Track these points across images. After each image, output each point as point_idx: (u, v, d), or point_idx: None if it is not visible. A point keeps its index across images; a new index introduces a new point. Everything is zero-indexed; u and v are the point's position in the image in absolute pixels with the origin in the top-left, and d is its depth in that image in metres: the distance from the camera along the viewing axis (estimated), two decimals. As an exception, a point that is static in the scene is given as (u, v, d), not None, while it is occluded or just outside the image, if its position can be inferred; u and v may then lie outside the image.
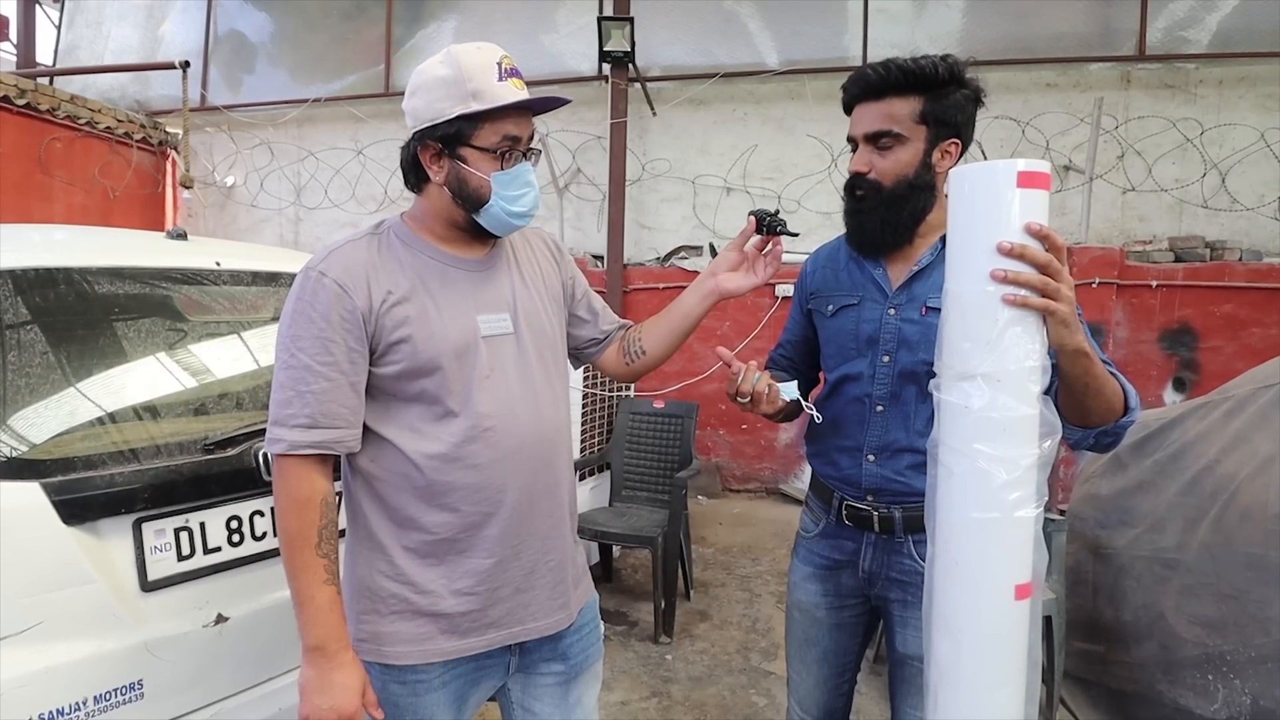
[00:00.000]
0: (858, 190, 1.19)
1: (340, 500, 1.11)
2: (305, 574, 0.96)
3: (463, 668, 1.08)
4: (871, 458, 1.22)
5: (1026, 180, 0.78)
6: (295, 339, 0.98)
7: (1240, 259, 4.26)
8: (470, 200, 1.04)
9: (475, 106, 0.99)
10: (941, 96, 1.12)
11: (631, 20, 4.56)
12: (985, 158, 4.52)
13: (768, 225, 1.19)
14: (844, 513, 1.26)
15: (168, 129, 5.98)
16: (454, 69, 1.00)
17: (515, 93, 1.01)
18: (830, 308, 1.29)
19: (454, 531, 1.04)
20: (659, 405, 3.44)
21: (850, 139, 1.21)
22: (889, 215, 1.17)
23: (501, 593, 1.07)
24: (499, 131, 1.02)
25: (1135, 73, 4.54)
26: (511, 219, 1.06)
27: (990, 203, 0.80)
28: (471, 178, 1.03)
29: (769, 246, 1.23)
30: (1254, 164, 4.35)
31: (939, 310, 1.08)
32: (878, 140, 1.15)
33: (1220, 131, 4.39)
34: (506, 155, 1.03)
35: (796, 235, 1.24)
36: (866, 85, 1.15)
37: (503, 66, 1.00)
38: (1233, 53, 4.36)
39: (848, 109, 1.21)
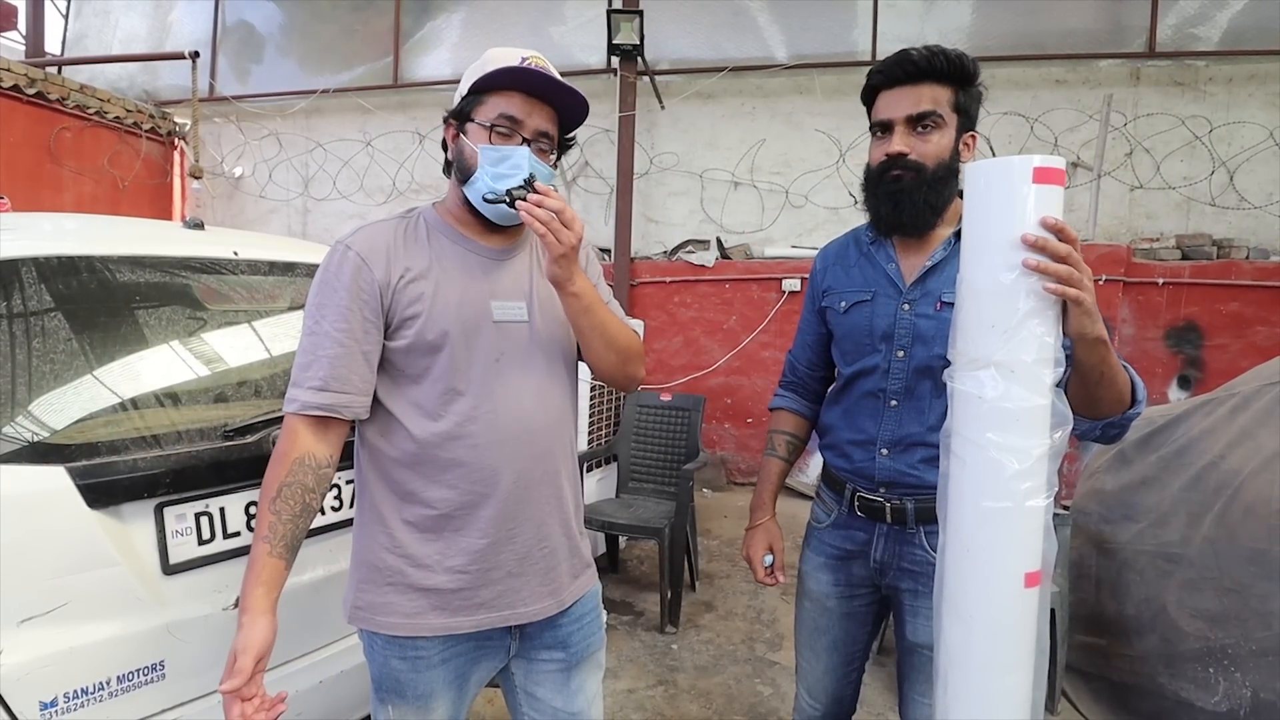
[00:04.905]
0: (895, 171, 1.16)
1: (337, 478, 1.13)
2: (258, 525, 0.99)
3: (463, 646, 1.10)
4: (885, 451, 1.23)
5: (1042, 176, 0.79)
6: (319, 307, 1.03)
7: (1247, 257, 4.25)
8: (463, 172, 1.08)
9: (475, 75, 1.04)
10: (969, 90, 1.15)
11: (640, 13, 4.56)
12: (994, 154, 4.52)
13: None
14: (856, 504, 1.28)
15: (176, 119, 6.00)
16: (484, 58, 1.05)
17: (517, 57, 1.03)
18: (843, 304, 1.29)
19: (451, 508, 1.06)
20: (666, 398, 3.46)
21: (882, 123, 1.17)
22: (930, 197, 1.15)
23: (494, 575, 1.09)
24: (496, 109, 1.05)
25: (1145, 69, 4.52)
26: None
27: (1006, 197, 0.81)
28: (466, 148, 1.06)
29: None
30: (1262, 162, 4.34)
31: (954, 305, 1.10)
32: (920, 121, 1.13)
33: (1229, 129, 4.38)
34: (499, 132, 1.05)
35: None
36: (910, 68, 1.13)
37: (526, 59, 1.03)
38: (1243, 50, 4.35)
39: (875, 92, 1.18)
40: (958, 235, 1.18)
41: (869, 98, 1.20)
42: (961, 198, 1.23)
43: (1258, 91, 4.38)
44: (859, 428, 1.27)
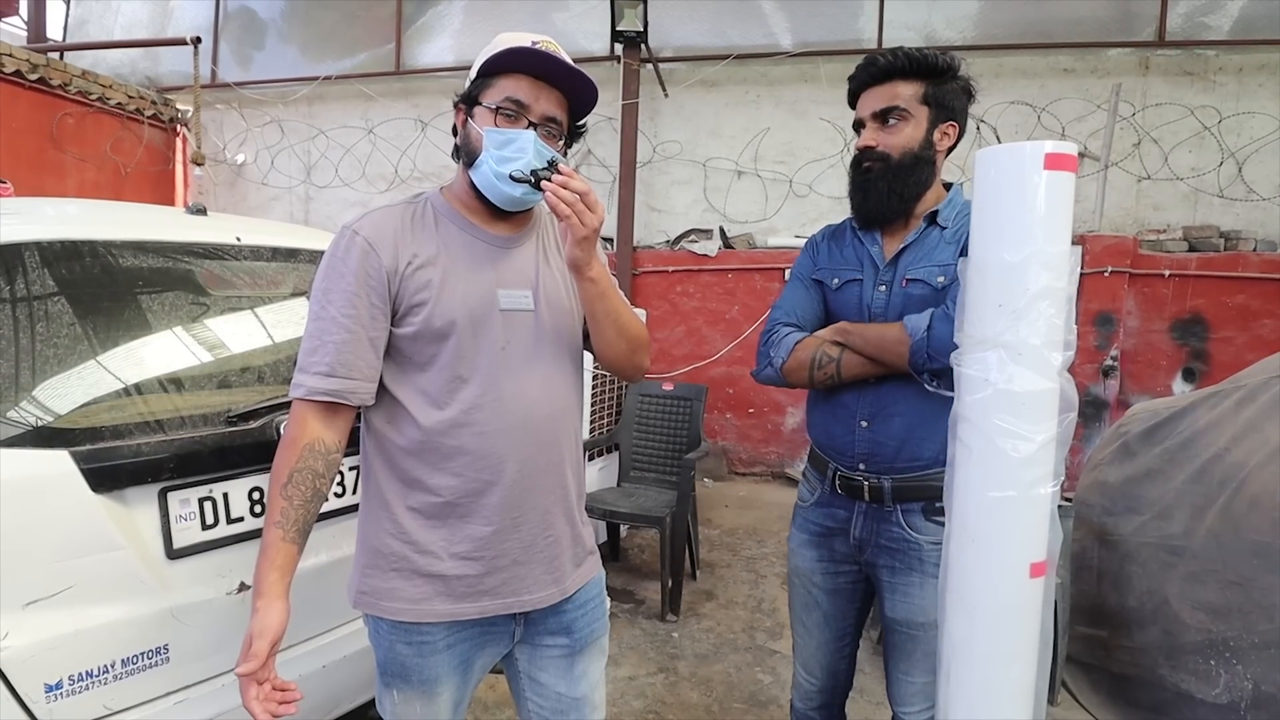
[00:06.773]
0: (865, 163, 1.28)
1: (344, 464, 1.13)
2: (270, 510, 0.99)
3: (468, 632, 1.11)
4: (865, 423, 1.29)
5: (1053, 162, 0.78)
6: (326, 292, 1.03)
7: (1255, 249, 4.23)
8: (469, 155, 1.07)
9: (484, 57, 1.03)
10: (942, 83, 1.23)
11: (645, -1, 4.52)
12: (1000, 143, 4.48)
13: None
14: (837, 483, 1.34)
15: (178, 105, 5.97)
16: (495, 42, 1.04)
17: (528, 40, 1.01)
18: (836, 281, 1.37)
19: (456, 495, 1.06)
20: (668, 387, 3.45)
21: (857, 123, 1.30)
22: (895, 184, 1.25)
23: (499, 562, 1.09)
24: (503, 92, 1.04)
25: (1154, 59, 4.48)
26: (499, 182, 1.03)
27: (1017, 183, 0.80)
28: (472, 131, 1.06)
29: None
30: (1271, 154, 4.30)
31: (919, 281, 1.21)
32: (885, 117, 1.25)
33: (1238, 120, 4.34)
34: (505, 115, 1.04)
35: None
36: (875, 71, 1.25)
37: (537, 43, 1.01)
38: (1253, 40, 4.30)
39: (854, 96, 1.30)
40: (930, 219, 1.27)
41: (852, 102, 1.31)
42: (945, 188, 1.31)
43: (1268, 82, 4.34)
44: (841, 402, 1.33)
